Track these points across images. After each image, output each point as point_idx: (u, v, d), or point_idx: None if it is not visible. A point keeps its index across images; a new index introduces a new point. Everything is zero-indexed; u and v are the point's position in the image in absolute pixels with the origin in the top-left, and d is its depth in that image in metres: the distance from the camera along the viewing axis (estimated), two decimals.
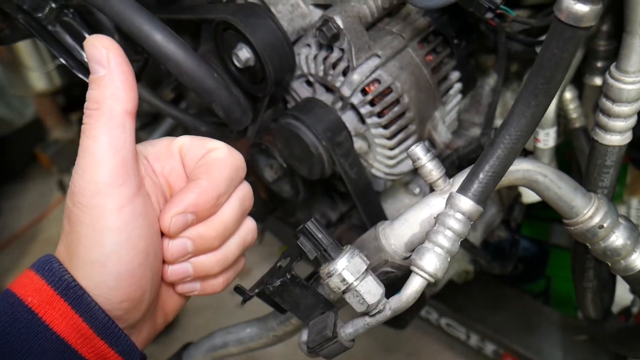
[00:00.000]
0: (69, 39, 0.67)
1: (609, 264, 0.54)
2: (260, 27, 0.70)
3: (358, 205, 0.77)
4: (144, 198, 0.43)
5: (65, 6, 0.66)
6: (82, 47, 0.66)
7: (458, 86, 0.78)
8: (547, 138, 0.84)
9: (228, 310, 1.46)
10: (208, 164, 0.46)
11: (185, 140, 0.48)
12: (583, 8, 0.39)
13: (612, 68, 0.48)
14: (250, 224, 0.49)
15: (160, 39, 0.52)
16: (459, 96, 0.79)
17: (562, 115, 0.92)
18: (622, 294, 0.81)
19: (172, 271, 0.46)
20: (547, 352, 1.00)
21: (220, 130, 0.66)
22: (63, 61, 0.63)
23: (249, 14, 0.71)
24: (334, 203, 0.99)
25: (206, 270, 0.46)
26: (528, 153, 0.94)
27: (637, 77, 0.47)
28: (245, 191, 0.48)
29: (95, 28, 0.68)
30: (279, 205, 1.07)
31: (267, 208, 1.05)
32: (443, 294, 1.07)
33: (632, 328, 0.71)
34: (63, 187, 1.87)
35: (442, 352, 1.28)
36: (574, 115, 0.90)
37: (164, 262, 0.46)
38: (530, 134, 0.46)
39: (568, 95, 0.88)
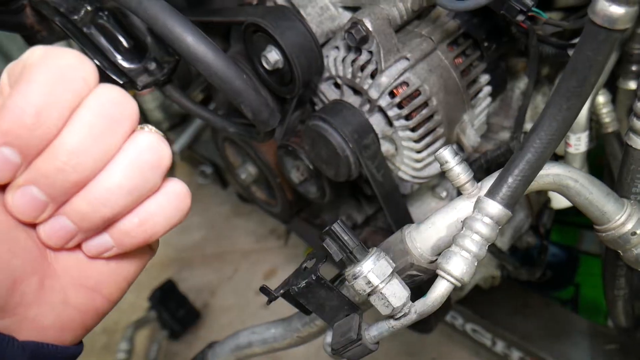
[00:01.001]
0: (103, 41, 0.68)
1: None
2: (289, 30, 0.71)
3: (384, 208, 0.77)
4: None
5: (100, 9, 0.67)
6: (115, 49, 0.68)
7: (487, 89, 0.78)
8: (578, 143, 0.82)
9: (253, 310, 1.47)
10: (18, 77, 0.31)
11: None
12: (618, 10, 0.38)
13: None
14: (142, 138, 0.33)
15: (191, 40, 0.53)
16: (489, 99, 0.79)
17: (594, 119, 0.90)
18: None
19: (44, 231, 0.34)
20: None
21: (248, 131, 0.66)
22: (97, 63, 0.64)
23: (278, 17, 0.71)
24: (360, 205, 0.99)
25: (86, 214, 0.33)
26: (559, 158, 0.93)
27: None
28: (105, 97, 0.32)
29: (129, 30, 0.70)
30: (305, 206, 1.08)
31: (293, 209, 1.05)
32: (469, 299, 1.05)
33: None
34: None
35: (467, 358, 1.27)
36: (606, 119, 0.88)
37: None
38: (561, 138, 0.45)
39: (601, 99, 0.87)
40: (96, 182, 0.33)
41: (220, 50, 0.54)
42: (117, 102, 0.32)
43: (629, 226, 0.49)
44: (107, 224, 0.34)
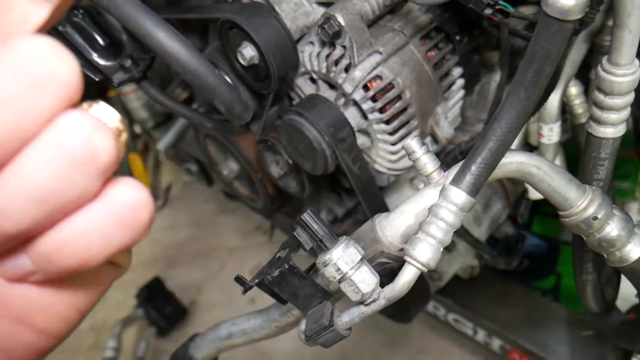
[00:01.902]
0: (78, 39, 0.69)
1: (605, 256, 0.55)
2: (264, 26, 0.72)
3: (361, 200, 0.79)
4: None
5: (74, 7, 0.68)
6: (91, 47, 0.69)
7: (460, 82, 0.79)
8: (551, 133, 0.84)
9: (239, 306, 1.48)
10: None
11: None
12: (569, 2, 0.40)
13: (604, 61, 0.49)
14: (71, 119, 0.22)
15: (163, 37, 0.54)
16: (462, 92, 0.80)
17: (568, 110, 0.92)
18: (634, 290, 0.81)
19: None
20: (554, 347, 1.00)
21: (224, 126, 0.67)
22: None
23: (253, 13, 0.72)
24: (341, 199, 1.00)
25: None
26: (533, 148, 0.95)
27: (629, 70, 0.47)
28: (29, 50, 0.22)
29: (105, 28, 0.71)
30: (287, 201, 1.09)
31: (274, 204, 1.06)
32: (450, 290, 1.07)
33: (633, 322, 0.71)
34: None
35: (451, 349, 1.28)
36: (579, 110, 0.90)
37: None
38: (521, 126, 0.46)
39: (574, 90, 0.89)
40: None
41: (192, 46, 0.55)
42: (45, 58, 0.22)
43: (590, 211, 0.51)
44: (16, 241, 0.24)
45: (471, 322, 1.10)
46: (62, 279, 0.27)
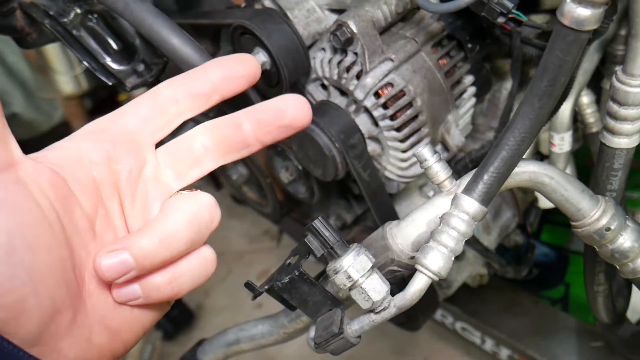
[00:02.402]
0: (92, 43, 0.69)
1: (618, 267, 0.54)
2: (276, 32, 0.72)
3: (371, 207, 0.78)
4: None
5: (89, 12, 0.68)
6: (105, 51, 0.69)
7: (472, 90, 0.79)
8: (562, 142, 0.84)
9: (246, 310, 1.48)
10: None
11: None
12: (585, 12, 0.40)
13: (619, 71, 0.48)
14: (203, 197, 0.38)
15: (176, 42, 0.54)
16: (473, 100, 0.80)
17: (579, 120, 0.92)
18: None
19: (105, 262, 0.34)
20: (563, 358, 1.00)
21: None
22: (86, 64, 0.66)
23: (265, 19, 0.73)
24: (350, 205, 1.00)
25: (149, 254, 0.35)
26: (544, 157, 0.94)
27: None
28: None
29: (118, 32, 0.71)
30: (296, 206, 1.09)
31: (283, 209, 1.07)
32: (458, 298, 1.07)
33: None
34: None
35: (458, 358, 1.28)
36: (591, 119, 0.89)
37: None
38: (534, 136, 0.46)
39: (585, 99, 0.88)
40: (163, 225, 0.35)
41: (206, 52, 0.56)
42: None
43: (603, 222, 0.51)
44: (155, 269, 0.35)
45: (479, 330, 1.09)
46: (144, 306, 0.37)
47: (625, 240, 0.51)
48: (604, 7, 0.40)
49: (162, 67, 0.68)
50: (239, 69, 0.42)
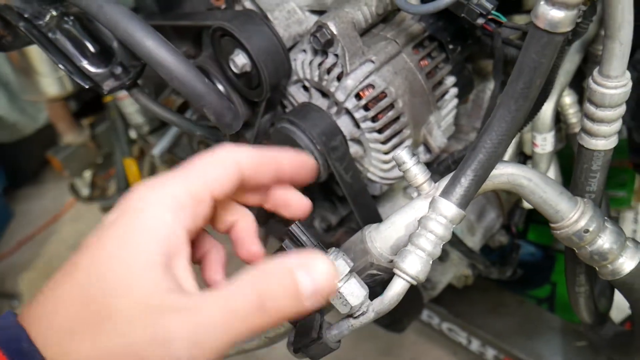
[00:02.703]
0: (69, 46, 0.68)
1: (597, 269, 0.54)
2: (256, 34, 0.71)
3: (353, 209, 0.78)
4: None
5: (65, 14, 0.67)
6: (81, 54, 0.68)
7: (454, 91, 0.79)
8: (544, 143, 0.84)
9: None
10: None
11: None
12: (558, 14, 0.39)
13: (595, 73, 0.48)
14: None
15: (151, 44, 0.53)
16: (455, 101, 0.80)
17: (562, 120, 0.92)
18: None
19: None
20: (548, 357, 1.00)
21: (214, 133, 0.67)
22: (62, 67, 0.64)
23: (245, 21, 0.72)
24: (334, 207, 0.99)
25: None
26: (528, 158, 0.94)
27: (620, 82, 0.47)
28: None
29: (95, 35, 0.70)
30: None
31: (268, 212, 1.06)
32: (444, 299, 1.07)
33: (623, 333, 0.71)
34: (75, 191, 1.91)
35: (445, 358, 1.28)
36: (573, 120, 0.89)
37: None
38: (512, 138, 0.46)
39: (567, 100, 0.88)
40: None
41: (181, 54, 0.55)
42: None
43: (581, 223, 0.50)
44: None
45: (465, 331, 1.09)
46: None
47: (604, 242, 0.51)
48: (577, 9, 0.39)
49: (140, 69, 0.68)
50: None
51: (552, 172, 0.94)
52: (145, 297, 0.36)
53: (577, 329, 1.04)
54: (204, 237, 0.48)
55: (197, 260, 0.47)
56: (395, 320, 0.90)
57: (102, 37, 0.70)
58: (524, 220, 1.42)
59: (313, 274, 0.37)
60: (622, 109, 0.49)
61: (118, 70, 0.67)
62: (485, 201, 0.95)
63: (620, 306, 0.87)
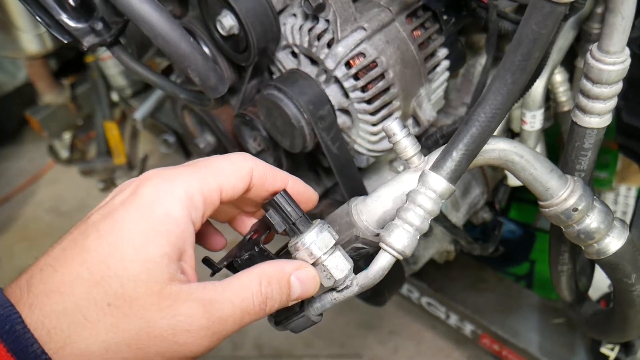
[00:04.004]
0: None
1: (583, 248, 0.54)
2: None
3: (339, 181, 0.77)
4: None
5: None
6: (60, 7, 0.64)
7: (445, 63, 0.77)
8: (533, 120, 0.83)
9: None
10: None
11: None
12: None
13: (594, 48, 0.47)
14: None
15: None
16: (446, 74, 0.78)
17: (551, 98, 0.91)
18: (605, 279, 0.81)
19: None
20: (525, 334, 1.01)
21: (199, 97, 0.64)
22: (39, 20, 0.61)
23: None
24: (319, 178, 0.98)
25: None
26: (515, 135, 0.94)
27: (619, 58, 0.46)
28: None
29: None
30: None
31: None
32: (425, 273, 1.07)
33: (602, 312, 0.71)
34: (54, 152, 1.86)
35: (424, 332, 1.29)
36: (563, 98, 0.89)
37: None
38: (506, 112, 0.45)
39: (558, 77, 0.87)
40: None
41: (167, 12, 0.52)
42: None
43: (570, 202, 0.50)
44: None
45: (444, 306, 1.10)
46: None
47: (592, 221, 0.51)
48: None
49: (123, 26, 0.64)
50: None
51: (539, 150, 0.93)
52: (162, 286, 0.38)
53: (554, 306, 1.05)
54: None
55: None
56: (376, 293, 0.90)
57: None
58: (507, 198, 1.43)
59: (302, 279, 0.45)
60: (618, 86, 0.48)
61: (99, 25, 0.64)
62: (470, 177, 0.94)
63: (597, 285, 0.88)
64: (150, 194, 0.40)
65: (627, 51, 0.46)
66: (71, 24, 0.63)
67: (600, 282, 0.87)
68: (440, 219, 0.87)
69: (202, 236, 0.52)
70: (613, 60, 0.46)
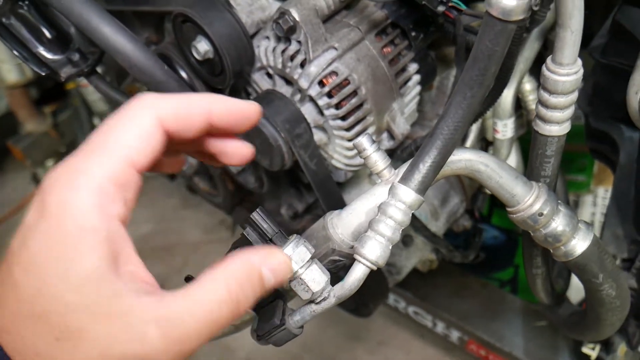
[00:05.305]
0: (24, 32, 0.66)
1: (551, 251, 0.56)
2: (218, 20, 0.71)
3: (318, 196, 0.78)
4: None
5: None
6: (37, 40, 0.66)
7: (416, 78, 0.79)
8: (505, 129, 0.86)
9: None
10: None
11: None
12: (511, 2, 0.40)
13: (548, 60, 0.49)
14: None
15: (108, 31, 0.52)
16: (418, 88, 0.81)
17: (523, 106, 0.94)
18: None
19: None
20: (509, 338, 1.03)
21: None
22: (16, 54, 0.63)
23: (207, 7, 0.71)
24: (301, 194, 1.00)
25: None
26: (489, 144, 0.96)
27: (571, 69, 0.48)
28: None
29: (52, 21, 0.68)
30: (247, 196, 1.08)
31: (234, 199, 1.06)
32: (410, 283, 1.09)
33: (577, 313, 0.73)
34: (37, 181, 1.86)
35: (412, 340, 1.30)
36: (533, 106, 0.91)
37: None
38: (468, 125, 0.47)
39: (528, 86, 0.90)
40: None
41: (140, 41, 0.54)
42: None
43: (536, 207, 0.52)
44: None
45: (430, 314, 1.11)
46: None
47: (557, 225, 0.53)
48: None
49: (99, 56, 0.66)
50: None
51: (514, 158, 0.96)
52: (105, 308, 0.33)
53: (537, 310, 1.07)
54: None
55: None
56: (361, 304, 0.91)
57: (59, 22, 0.69)
58: (489, 205, 1.45)
59: (273, 267, 0.40)
60: (574, 95, 0.50)
61: (76, 56, 0.66)
62: (448, 186, 0.96)
63: (578, 287, 0.90)
64: (54, 209, 0.34)
65: (580, 62, 0.49)
66: (48, 56, 0.65)
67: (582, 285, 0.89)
68: (420, 228, 0.89)
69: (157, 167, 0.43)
70: (566, 72, 0.48)
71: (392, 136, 0.80)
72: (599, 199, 1.37)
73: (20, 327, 0.34)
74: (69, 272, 0.33)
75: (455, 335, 1.10)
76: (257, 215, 0.48)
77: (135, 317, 0.34)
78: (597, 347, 0.86)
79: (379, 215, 0.48)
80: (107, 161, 0.35)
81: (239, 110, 0.42)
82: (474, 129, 0.89)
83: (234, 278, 0.38)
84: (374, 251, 0.47)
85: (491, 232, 1.42)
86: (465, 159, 0.51)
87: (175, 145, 0.40)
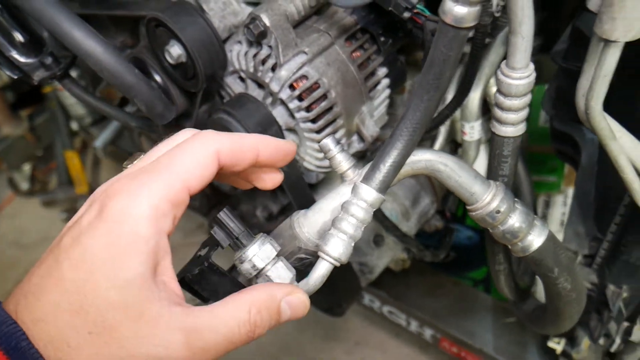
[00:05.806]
0: None
1: (510, 247, 0.58)
2: (190, 25, 0.72)
3: (290, 198, 0.80)
4: None
5: None
6: (10, 43, 0.67)
7: (385, 82, 0.82)
8: (472, 131, 0.88)
9: None
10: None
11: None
12: (462, 10, 0.42)
13: (503, 64, 0.52)
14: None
15: (79, 35, 0.54)
16: (387, 91, 0.83)
17: (490, 109, 0.96)
18: None
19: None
20: (480, 335, 1.05)
21: (148, 124, 0.67)
22: None
23: (179, 11, 0.72)
24: (275, 196, 1.01)
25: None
26: (459, 145, 0.99)
27: (524, 73, 0.51)
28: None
29: (25, 24, 0.69)
30: (223, 199, 1.09)
31: (210, 202, 1.07)
32: (384, 283, 1.11)
33: (539, 307, 0.76)
34: (14, 184, 1.85)
35: (388, 340, 1.32)
36: None
37: None
38: (425, 126, 0.49)
39: (494, 90, 0.93)
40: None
41: (110, 45, 0.55)
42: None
43: (493, 205, 0.54)
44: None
45: (404, 313, 1.13)
46: None
47: (514, 222, 0.55)
48: (479, 5, 0.43)
49: (72, 60, 0.67)
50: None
51: (482, 159, 0.99)
52: (140, 312, 0.37)
53: (506, 307, 1.10)
54: None
55: None
56: (334, 304, 0.93)
57: (32, 26, 0.69)
58: (463, 206, 1.48)
59: (292, 303, 0.46)
60: (527, 98, 0.53)
61: (48, 60, 0.67)
62: (419, 187, 0.99)
63: None
64: (115, 214, 0.39)
65: (532, 66, 0.51)
66: (21, 59, 0.66)
67: None
68: (391, 228, 0.91)
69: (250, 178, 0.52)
70: (519, 75, 0.51)
71: (362, 138, 0.82)
72: (569, 199, 1.41)
73: (58, 318, 0.37)
74: (117, 272, 0.37)
75: (428, 333, 1.12)
76: (224, 215, 0.50)
77: (165, 323, 0.38)
78: (563, 342, 0.89)
79: (342, 214, 0.50)
80: (167, 181, 0.41)
81: (282, 150, 0.49)
82: (443, 130, 0.92)
83: (255, 305, 0.43)
84: (336, 248, 0.49)
85: (465, 232, 1.45)
86: (425, 159, 0.53)
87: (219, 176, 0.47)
